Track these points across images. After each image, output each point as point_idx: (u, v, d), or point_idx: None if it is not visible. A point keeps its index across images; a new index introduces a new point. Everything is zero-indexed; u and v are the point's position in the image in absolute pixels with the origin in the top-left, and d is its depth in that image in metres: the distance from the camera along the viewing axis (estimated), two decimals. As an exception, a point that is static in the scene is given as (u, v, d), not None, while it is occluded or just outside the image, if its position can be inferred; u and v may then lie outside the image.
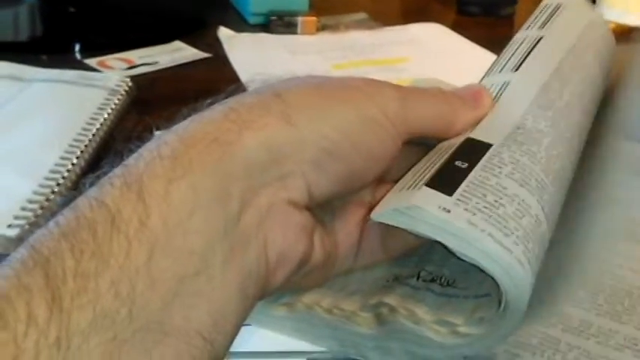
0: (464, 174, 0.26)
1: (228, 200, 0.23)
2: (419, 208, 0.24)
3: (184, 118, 0.25)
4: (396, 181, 0.28)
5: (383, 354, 0.30)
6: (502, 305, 0.25)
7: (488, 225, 0.24)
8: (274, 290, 0.26)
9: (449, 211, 0.24)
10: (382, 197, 0.27)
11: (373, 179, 0.28)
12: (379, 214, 0.26)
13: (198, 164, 0.23)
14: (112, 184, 0.22)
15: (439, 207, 0.24)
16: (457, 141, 0.28)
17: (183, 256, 0.21)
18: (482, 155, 0.27)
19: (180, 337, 0.21)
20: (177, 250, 0.21)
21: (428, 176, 0.26)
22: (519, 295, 0.24)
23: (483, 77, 0.34)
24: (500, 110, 0.30)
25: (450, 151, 0.28)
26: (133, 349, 0.20)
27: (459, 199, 0.25)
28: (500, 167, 0.27)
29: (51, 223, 0.21)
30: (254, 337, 0.32)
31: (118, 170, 0.23)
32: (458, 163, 0.27)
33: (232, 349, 0.24)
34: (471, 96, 0.30)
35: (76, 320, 0.19)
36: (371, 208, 0.28)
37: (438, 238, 0.24)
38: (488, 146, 0.28)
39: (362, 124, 0.27)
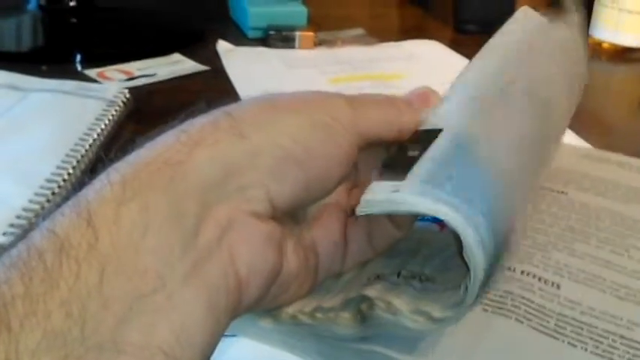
0: (415, 159, 0.28)
1: (183, 217, 0.23)
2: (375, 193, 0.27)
3: (138, 147, 0.25)
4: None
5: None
6: (471, 274, 0.26)
7: (440, 192, 0.26)
8: (252, 304, 0.26)
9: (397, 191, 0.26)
10: (356, 201, 0.30)
11: (336, 183, 0.29)
12: (361, 209, 0.27)
13: (148, 186, 0.23)
14: (62, 214, 0.22)
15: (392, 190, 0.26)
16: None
17: (136, 276, 0.21)
18: (434, 139, 0.29)
19: (138, 354, 0.21)
20: (130, 269, 0.21)
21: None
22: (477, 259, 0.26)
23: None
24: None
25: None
26: None
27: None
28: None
29: (4, 256, 0.21)
30: (241, 349, 0.33)
31: (69, 201, 0.23)
32: (410, 152, 0.29)
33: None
34: (417, 97, 0.32)
35: (24, 341, 0.19)
36: (348, 212, 0.30)
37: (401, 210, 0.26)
38: (439, 130, 0.30)
39: (313, 129, 0.27)
